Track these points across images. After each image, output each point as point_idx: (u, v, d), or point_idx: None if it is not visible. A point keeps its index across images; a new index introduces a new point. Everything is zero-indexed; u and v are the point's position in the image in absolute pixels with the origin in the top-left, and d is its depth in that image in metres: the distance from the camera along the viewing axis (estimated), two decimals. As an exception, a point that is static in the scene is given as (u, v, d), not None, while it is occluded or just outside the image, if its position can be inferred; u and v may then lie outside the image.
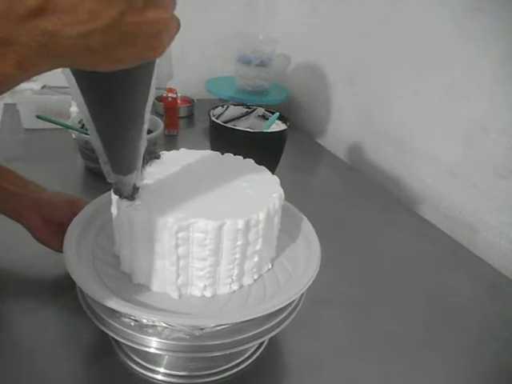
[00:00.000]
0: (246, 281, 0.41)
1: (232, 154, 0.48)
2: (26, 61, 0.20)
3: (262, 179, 0.44)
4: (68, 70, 0.25)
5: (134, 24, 0.21)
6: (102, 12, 0.20)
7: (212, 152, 0.49)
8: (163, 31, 0.22)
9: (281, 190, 0.42)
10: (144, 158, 0.44)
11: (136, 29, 0.21)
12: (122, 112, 0.28)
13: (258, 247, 0.39)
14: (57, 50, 0.20)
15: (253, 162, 0.47)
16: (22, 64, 0.20)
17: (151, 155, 0.46)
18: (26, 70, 0.21)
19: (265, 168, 0.46)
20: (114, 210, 0.39)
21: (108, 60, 0.22)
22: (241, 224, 0.36)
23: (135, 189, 0.38)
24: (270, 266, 0.44)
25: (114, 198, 0.38)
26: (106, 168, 0.34)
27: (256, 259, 0.40)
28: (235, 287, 0.40)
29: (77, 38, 0.20)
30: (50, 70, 0.23)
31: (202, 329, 0.34)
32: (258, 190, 0.42)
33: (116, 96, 0.27)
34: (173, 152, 0.47)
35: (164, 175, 0.42)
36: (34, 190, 0.50)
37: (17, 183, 0.49)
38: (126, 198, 0.37)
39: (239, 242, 0.37)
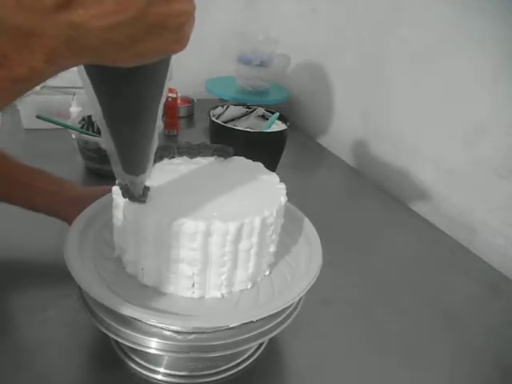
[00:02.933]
0: (246, 284, 0.41)
1: (242, 157, 0.48)
2: (54, 54, 0.20)
3: (266, 183, 0.44)
4: (83, 70, 0.25)
5: (160, 15, 0.21)
6: (129, 3, 0.20)
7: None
8: (187, 23, 0.22)
9: (283, 195, 0.42)
10: (209, 150, 0.45)
11: (162, 20, 0.21)
12: (137, 111, 0.28)
13: (257, 250, 0.39)
14: (84, 44, 0.20)
15: (261, 165, 0.47)
16: (50, 57, 0.20)
17: (219, 152, 0.46)
18: (54, 64, 0.21)
19: (271, 172, 0.46)
20: (118, 213, 0.39)
21: (132, 54, 0.22)
22: (232, 227, 0.36)
23: (145, 190, 0.37)
24: (269, 271, 0.43)
25: (121, 200, 0.38)
26: (117, 169, 0.34)
27: (257, 261, 0.40)
28: (236, 289, 0.40)
29: (104, 30, 0.20)
30: (77, 65, 0.23)
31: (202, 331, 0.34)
32: (261, 193, 0.42)
33: (131, 94, 0.26)
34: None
35: (170, 178, 0.42)
36: (69, 186, 0.52)
37: (53, 182, 0.51)
38: (136, 200, 0.37)
39: (240, 244, 0.37)
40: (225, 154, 0.47)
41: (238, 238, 0.37)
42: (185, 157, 0.46)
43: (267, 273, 0.43)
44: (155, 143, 0.33)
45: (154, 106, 0.29)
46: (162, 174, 0.42)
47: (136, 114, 0.29)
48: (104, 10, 0.19)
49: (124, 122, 0.29)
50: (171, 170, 0.43)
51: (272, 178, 0.45)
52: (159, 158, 0.45)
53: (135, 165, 0.34)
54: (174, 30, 0.22)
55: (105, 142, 0.31)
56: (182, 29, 0.22)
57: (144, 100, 0.28)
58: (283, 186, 0.43)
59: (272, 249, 0.42)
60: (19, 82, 0.21)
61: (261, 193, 0.42)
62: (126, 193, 0.36)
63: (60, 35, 0.19)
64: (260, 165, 0.47)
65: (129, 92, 0.26)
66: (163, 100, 0.29)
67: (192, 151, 0.46)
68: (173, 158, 0.46)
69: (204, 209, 0.38)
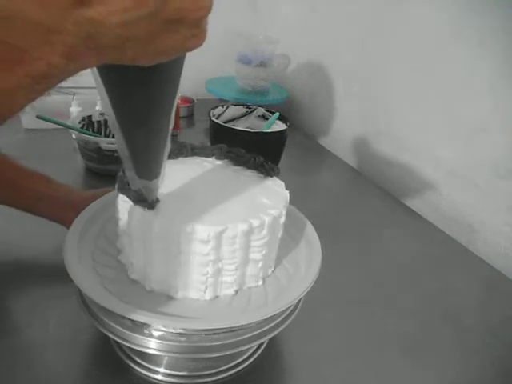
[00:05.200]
0: (248, 284, 0.41)
1: (281, 182, 0.47)
2: (73, 51, 0.20)
3: (269, 185, 0.44)
4: (96, 74, 0.25)
5: (178, 10, 0.21)
6: None
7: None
8: (204, 18, 0.22)
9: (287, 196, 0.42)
10: (255, 164, 0.45)
11: (181, 15, 0.21)
12: (151, 113, 0.28)
13: (261, 252, 0.39)
14: (103, 41, 0.20)
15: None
16: (69, 54, 0.20)
17: (263, 169, 0.45)
18: (74, 61, 0.21)
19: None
20: (123, 216, 0.39)
21: (151, 51, 0.22)
22: (242, 228, 0.36)
23: (156, 199, 0.37)
24: (273, 269, 0.43)
25: (126, 204, 0.38)
26: (130, 175, 0.33)
27: (259, 264, 0.40)
28: (237, 291, 0.40)
29: (122, 26, 0.20)
30: (96, 63, 0.22)
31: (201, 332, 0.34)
32: (265, 196, 0.42)
33: (145, 96, 0.26)
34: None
35: (177, 182, 0.42)
36: (67, 190, 0.52)
37: (51, 186, 0.51)
38: (146, 206, 0.36)
39: (241, 247, 0.37)
40: (265, 172, 0.45)
41: (248, 237, 0.37)
42: (228, 161, 0.47)
43: (271, 271, 0.43)
44: (168, 147, 0.32)
45: (167, 108, 0.29)
46: (188, 166, 0.44)
47: (150, 117, 0.28)
48: (122, 6, 0.19)
49: (138, 125, 0.29)
50: (195, 167, 0.45)
51: (276, 183, 0.45)
52: (206, 155, 0.47)
53: (149, 169, 0.34)
54: (193, 25, 0.22)
55: (118, 146, 0.31)
56: (200, 24, 0.22)
57: (158, 102, 0.27)
58: (286, 192, 0.43)
59: (275, 250, 0.42)
60: (39, 78, 0.20)
61: (267, 196, 0.42)
62: (135, 199, 0.36)
63: (79, 32, 0.19)
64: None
65: (142, 94, 0.26)
66: (176, 101, 0.29)
67: (239, 159, 0.46)
68: (219, 159, 0.47)
69: (211, 213, 0.37)
